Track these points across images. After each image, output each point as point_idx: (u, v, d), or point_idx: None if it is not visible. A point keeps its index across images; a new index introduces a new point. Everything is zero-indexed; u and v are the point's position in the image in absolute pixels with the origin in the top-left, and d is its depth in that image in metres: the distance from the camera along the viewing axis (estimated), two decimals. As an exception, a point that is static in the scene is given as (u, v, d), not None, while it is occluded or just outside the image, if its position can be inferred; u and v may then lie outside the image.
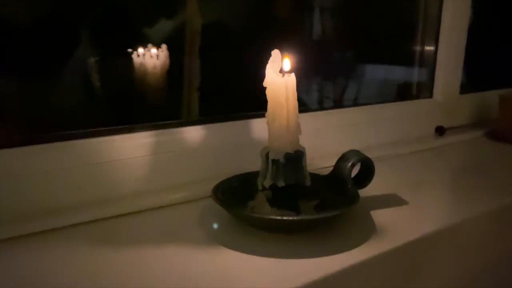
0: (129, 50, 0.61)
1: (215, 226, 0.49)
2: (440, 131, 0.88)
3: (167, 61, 0.63)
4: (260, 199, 0.49)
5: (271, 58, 0.46)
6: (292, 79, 0.46)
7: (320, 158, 0.68)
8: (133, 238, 0.46)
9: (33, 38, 0.54)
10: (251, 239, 0.45)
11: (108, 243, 0.44)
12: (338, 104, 0.85)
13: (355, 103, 0.88)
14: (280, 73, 0.46)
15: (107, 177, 0.52)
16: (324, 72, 0.86)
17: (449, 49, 0.88)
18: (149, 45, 0.62)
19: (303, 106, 0.73)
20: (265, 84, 0.47)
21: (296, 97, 0.47)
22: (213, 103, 0.70)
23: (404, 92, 0.95)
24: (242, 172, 0.55)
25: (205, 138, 0.59)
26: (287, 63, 0.47)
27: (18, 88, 0.53)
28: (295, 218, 0.43)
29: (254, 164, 0.51)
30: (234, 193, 0.51)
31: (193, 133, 0.59)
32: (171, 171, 0.57)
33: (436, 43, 0.89)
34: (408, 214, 0.52)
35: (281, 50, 0.47)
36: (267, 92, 0.47)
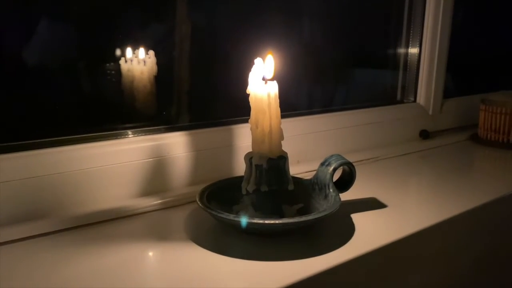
0: (117, 55, 0.61)
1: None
2: (424, 135, 0.89)
3: (155, 67, 0.64)
4: (245, 204, 0.50)
5: (254, 66, 0.48)
6: (274, 86, 0.48)
7: (306, 162, 0.70)
8: (119, 242, 0.46)
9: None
10: (234, 243, 0.47)
11: (94, 248, 0.45)
12: (322, 108, 0.86)
13: (339, 108, 0.89)
14: (262, 80, 0.48)
15: (95, 182, 0.53)
16: (309, 76, 0.88)
17: (432, 53, 0.89)
18: (137, 51, 0.63)
19: (289, 111, 0.74)
20: (248, 91, 0.48)
21: (278, 104, 0.48)
22: (202, 108, 0.71)
23: (387, 96, 0.96)
24: (231, 177, 0.56)
25: (192, 143, 0.60)
26: (270, 70, 0.48)
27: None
28: (276, 221, 0.44)
29: (242, 168, 0.52)
30: (219, 198, 0.52)
31: (180, 138, 0.59)
32: (159, 176, 0.58)
33: (419, 47, 0.91)
34: (387, 217, 0.54)
35: (268, 55, 0.48)
36: (250, 99, 0.48)
